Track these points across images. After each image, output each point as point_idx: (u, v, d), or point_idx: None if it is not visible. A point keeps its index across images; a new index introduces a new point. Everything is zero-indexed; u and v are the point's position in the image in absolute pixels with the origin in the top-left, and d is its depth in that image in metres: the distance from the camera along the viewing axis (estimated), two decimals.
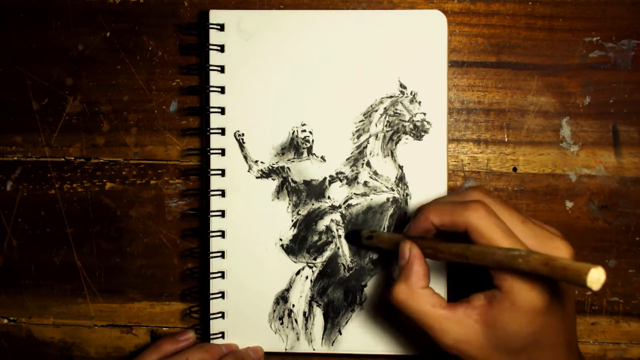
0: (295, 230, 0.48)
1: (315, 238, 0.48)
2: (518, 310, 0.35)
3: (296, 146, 0.48)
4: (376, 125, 0.48)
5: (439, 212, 0.38)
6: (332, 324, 0.48)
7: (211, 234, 0.48)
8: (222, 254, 0.48)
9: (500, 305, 0.35)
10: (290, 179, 0.48)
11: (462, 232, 0.37)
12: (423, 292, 0.38)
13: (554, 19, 0.48)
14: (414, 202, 0.48)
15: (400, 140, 0.48)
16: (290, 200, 0.48)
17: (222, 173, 0.48)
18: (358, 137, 0.48)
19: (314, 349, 0.49)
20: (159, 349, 0.47)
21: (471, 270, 0.38)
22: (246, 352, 0.48)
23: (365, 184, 0.48)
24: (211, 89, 0.48)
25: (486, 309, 0.36)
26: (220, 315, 0.48)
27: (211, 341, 0.48)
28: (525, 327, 0.35)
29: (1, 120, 0.51)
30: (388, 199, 0.48)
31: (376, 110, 0.48)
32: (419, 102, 0.47)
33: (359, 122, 0.48)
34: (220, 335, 0.48)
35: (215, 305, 0.48)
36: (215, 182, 0.48)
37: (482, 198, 0.38)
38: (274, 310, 0.48)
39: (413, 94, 0.47)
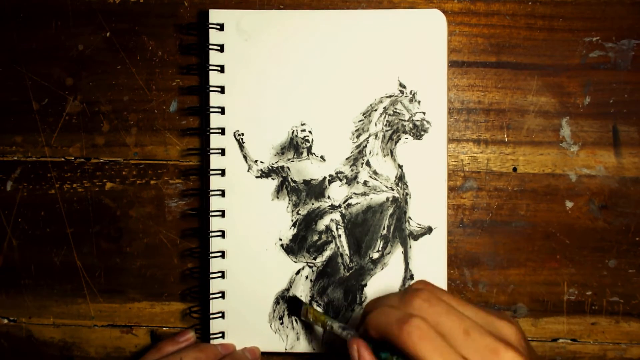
0: (295, 230, 0.48)
1: (315, 238, 0.48)
2: None
3: (296, 146, 0.48)
4: (376, 125, 0.48)
5: (375, 327, 0.37)
6: None
7: (211, 234, 0.48)
8: (222, 254, 0.48)
9: None
10: (290, 179, 0.48)
11: None
12: None
13: (554, 19, 0.48)
14: (413, 202, 0.48)
15: (399, 139, 0.48)
16: (290, 199, 0.48)
17: (222, 173, 0.48)
18: (358, 137, 0.48)
19: (314, 349, 0.48)
20: (159, 350, 0.47)
21: None
22: (243, 354, 0.48)
23: (365, 183, 0.48)
24: (211, 88, 0.48)
25: None
26: (220, 315, 0.48)
27: (211, 341, 0.48)
28: None
29: (1, 120, 0.51)
30: (388, 199, 0.48)
31: (376, 110, 0.48)
32: (419, 102, 0.47)
33: (359, 121, 0.48)
34: (220, 335, 0.48)
35: (215, 305, 0.48)
36: (215, 182, 0.48)
37: (423, 306, 0.36)
38: (274, 310, 0.48)
39: (412, 93, 0.47)
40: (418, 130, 0.47)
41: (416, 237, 0.48)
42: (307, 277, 0.48)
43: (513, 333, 0.36)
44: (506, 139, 0.49)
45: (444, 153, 0.47)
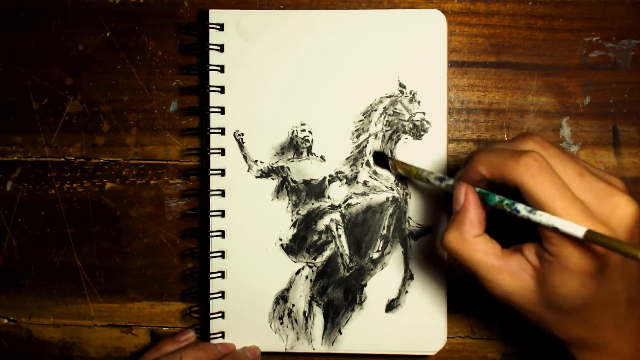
0: (295, 230, 0.48)
1: (315, 237, 0.48)
2: (569, 274, 0.33)
3: (296, 146, 0.48)
4: (376, 125, 0.48)
5: (488, 165, 0.35)
6: (332, 323, 0.48)
7: (211, 234, 0.48)
8: (222, 254, 0.48)
9: (551, 267, 0.33)
10: (289, 179, 0.48)
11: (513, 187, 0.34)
12: (476, 240, 0.36)
13: (554, 19, 0.48)
14: (413, 202, 0.48)
15: (399, 139, 0.48)
16: (290, 199, 0.48)
17: (222, 173, 0.48)
18: (357, 137, 0.48)
19: (314, 349, 0.48)
20: (159, 350, 0.47)
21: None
22: (243, 353, 0.48)
23: (365, 183, 0.48)
24: (211, 88, 0.48)
25: (538, 266, 0.34)
26: (220, 315, 0.48)
27: (211, 341, 0.48)
28: (578, 290, 0.33)
29: (1, 120, 0.51)
30: (387, 199, 0.48)
31: (375, 110, 0.48)
32: (418, 102, 0.47)
33: (359, 121, 0.48)
34: (220, 335, 0.48)
35: (215, 305, 0.48)
36: (215, 182, 0.48)
37: (536, 148, 0.35)
38: (274, 310, 0.48)
39: (412, 93, 0.47)
40: (418, 130, 0.47)
41: (416, 237, 0.48)
42: (307, 277, 0.48)
43: (623, 186, 0.35)
44: (506, 139, 0.49)
45: (444, 153, 0.47)
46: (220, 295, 0.48)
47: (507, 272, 0.35)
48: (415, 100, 0.47)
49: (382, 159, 0.47)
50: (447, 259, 0.48)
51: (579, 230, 0.31)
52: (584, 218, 0.32)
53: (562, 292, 0.34)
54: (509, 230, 0.39)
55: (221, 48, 0.48)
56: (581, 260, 0.32)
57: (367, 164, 0.48)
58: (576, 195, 0.33)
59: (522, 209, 0.34)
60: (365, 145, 0.48)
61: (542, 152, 0.34)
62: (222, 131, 0.48)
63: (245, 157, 0.48)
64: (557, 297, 0.34)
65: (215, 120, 0.48)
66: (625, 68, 0.48)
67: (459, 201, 0.37)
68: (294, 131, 0.48)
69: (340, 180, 0.48)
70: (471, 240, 0.36)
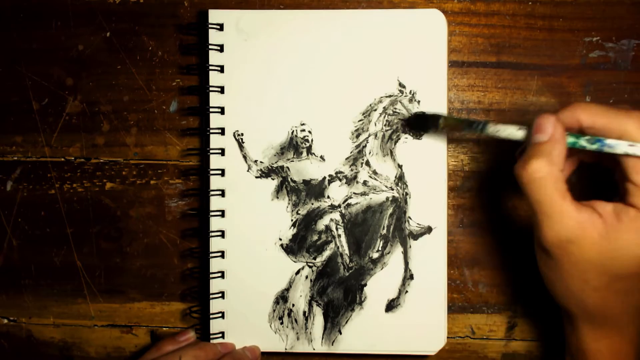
0: (295, 230, 0.48)
1: (315, 237, 0.48)
2: None
3: (295, 146, 0.48)
4: (375, 125, 0.48)
5: (592, 112, 0.34)
6: (332, 323, 0.48)
7: (211, 234, 0.48)
8: (222, 254, 0.48)
9: (629, 222, 0.33)
10: (289, 179, 0.48)
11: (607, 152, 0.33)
12: (560, 176, 0.35)
13: (554, 19, 0.48)
14: (413, 202, 0.48)
15: (399, 139, 0.48)
16: (289, 199, 0.48)
17: (222, 173, 0.48)
18: (357, 137, 0.48)
19: (314, 349, 0.48)
20: (159, 349, 0.47)
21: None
22: (243, 353, 0.48)
23: (365, 183, 0.48)
24: (211, 88, 0.48)
25: (613, 222, 0.34)
26: (220, 315, 0.48)
27: (211, 341, 0.48)
28: None
29: (1, 120, 0.51)
30: (387, 198, 0.48)
31: (375, 110, 0.48)
32: (418, 101, 0.47)
33: (358, 121, 0.48)
34: (220, 335, 0.48)
35: (215, 305, 0.48)
36: (215, 182, 0.48)
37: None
38: (274, 310, 0.48)
39: (412, 93, 0.47)
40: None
41: (416, 237, 0.48)
42: (306, 277, 0.48)
43: None
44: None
45: (444, 153, 0.47)
46: (220, 295, 0.48)
47: (576, 220, 0.34)
48: (415, 100, 0.47)
49: (424, 120, 0.45)
50: (447, 258, 0.48)
51: None
52: None
53: (633, 252, 0.33)
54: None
55: (221, 48, 0.48)
56: None
57: (367, 163, 0.48)
58: None
59: (620, 144, 0.33)
60: (365, 145, 0.48)
61: None
62: (222, 131, 0.48)
63: (245, 157, 0.48)
64: (623, 257, 0.33)
65: (215, 120, 0.48)
66: (625, 68, 0.48)
67: (547, 131, 0.35)
68: (293, 131, 0.48)
69: (340, 180, 0.48)
70: (556, 174, 0.34)
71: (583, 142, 0.35)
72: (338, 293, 0.48)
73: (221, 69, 0.48)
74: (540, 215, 0.36)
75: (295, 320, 0.48)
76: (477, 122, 0.41)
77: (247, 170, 0.48)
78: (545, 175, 0.35)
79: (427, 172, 0.47)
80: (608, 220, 0.34)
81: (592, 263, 0.35)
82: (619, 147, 0.34)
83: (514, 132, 0.39)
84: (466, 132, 0.43)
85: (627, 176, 0.34)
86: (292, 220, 0.48)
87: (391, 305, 0.48)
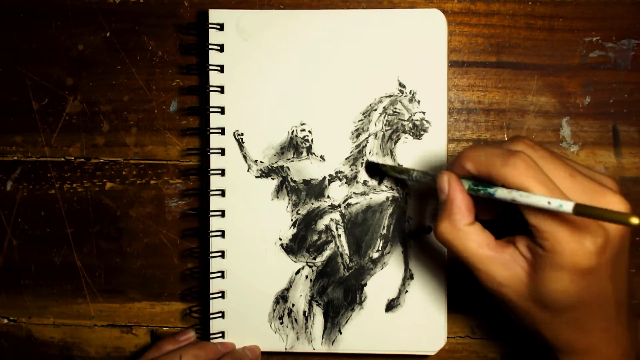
0: (295, 230, 0.48)
1: (315, 237, 0.48)
2: (561, 270, 0.32)
3: (295, 145, 0.48)
4: (375, 125, 0.48)
5: (475, 161, 0.35)
6: (332, 323, 0.48)
7: (211, 234, 0.48)
8: (222, 254, 0.48)
9: (543, 262, 0.33)
10: (289, 179, 0.48)
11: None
12: (468, 229, 0.35)
13: (554, 19, 0.48)
14: (413, 201, 0.48)
15: (399, 139, 0.48)
16: (289, 199, 0.48)
17: (222, 173, 0.48)
18: (357, 137, 0.48)
19: (314, 349, 0.48)
20: (159, 349, 0.47)
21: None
22: (243, 352, 0.48)
23: (365, 183, 0.48)
24: (211, 88, 0.48)
25: (530, 259, 0.34)
26: (220, 315, 0.48)
27: (211, 341, 0.48)
28: (568, 287, 0.33)
29: (1, 120, 0.51)
30: (387, 198, 0.48)
31: (375, 110, 0.48)
32: (418, 101, 0.47)
33: (358, 121, 0.48)
34: (220, 335, 0.48)
35: (215, 305, 0.48)
36: (215, 182, 0.48)
37: (526, 149, 0.35)
38: (274, 310, 0.48)
39: (412, 93, 0.47)
40: (418, 130, 0.47)
41: (416, 237, 0.48)
42: (307, 277, 0.48)
43: (615, 186, 0.35)
44: (506, 139, 0.49)
45: (444, 153, 0.47)
46: (220, 295, 0.48)
47: (500, 263, 0.35)
48: (415, 100, 0.47)
49: (374, 168, 0.47)
50: (446, 258, 0.48)
51: (568, 206, 0.30)
52: None
53: (553, 288, 0.33)
54: (504, 223, 0.38)
55: (221, 48, 0.48)
56: (574, 256, 0.32)
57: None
58: (567, 194, 0.33)
59: (506, 192, 0.33)
60: (365, 145, 0.48)
61: (531, 154, 0.34)
62: (222, 131, 0.48)
63: (245, 157, 0.48)
64: (548, 293, 0.34)
65: (215, 120, 0.48)
66: (625, 68, 0.48)
67: (444, 190, 0.36)
68: (293, 131, 0.48)
69: (340, 179, 0.48)
70: (463, 230, 0.35)
71: (479, 191, 0.35)
72: (338, 293, 0.48)
73: (221, 69, 0.48)
74: (469, 266, 0.36)
75: (295, 320, 0.48)
76: (412, 170, 0.42)
77: (247, 170, 0.48)
78: (453, 235, 0.36)
79: None
80: (528, 257, 0.34)
81: (530, 300, 0.35)
82: (505, 196, 0.33)
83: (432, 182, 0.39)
84: (406, 179, 0.45)
85: (526, 219, 0.34)
86: (292, 220, 0.48)
87: (391, 305, 0.48)
